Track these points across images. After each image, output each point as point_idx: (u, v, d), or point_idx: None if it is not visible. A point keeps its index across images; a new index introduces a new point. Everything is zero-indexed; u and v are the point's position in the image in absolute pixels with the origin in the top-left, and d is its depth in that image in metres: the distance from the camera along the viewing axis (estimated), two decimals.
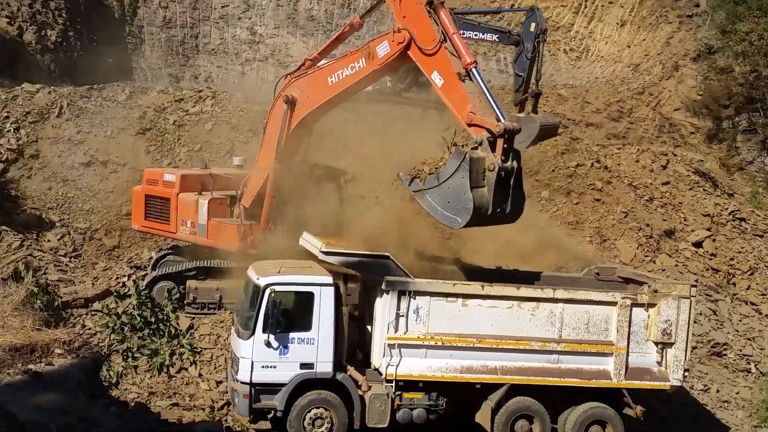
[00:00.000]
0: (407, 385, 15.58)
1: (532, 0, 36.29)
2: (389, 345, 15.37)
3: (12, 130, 25.68)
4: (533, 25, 23.66)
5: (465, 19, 25.06)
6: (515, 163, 14.40)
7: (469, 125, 14.68)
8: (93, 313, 17.44)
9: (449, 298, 15.44)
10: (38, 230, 23.51)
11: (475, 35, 25.04)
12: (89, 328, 16.05)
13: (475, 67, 15.08)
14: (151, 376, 15.24)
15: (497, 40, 25.32)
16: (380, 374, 15.55)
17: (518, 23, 25.25)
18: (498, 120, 14.28)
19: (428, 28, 15.47)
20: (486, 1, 39.14)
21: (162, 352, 10.89)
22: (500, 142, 14.10)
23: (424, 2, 15.55)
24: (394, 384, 15.49)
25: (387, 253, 15.32)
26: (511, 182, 14.35)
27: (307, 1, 37.84)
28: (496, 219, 14.44)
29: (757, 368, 21.06)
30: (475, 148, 14.10)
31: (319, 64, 18.72)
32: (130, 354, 10.78)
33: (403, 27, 15.88)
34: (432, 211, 14.46)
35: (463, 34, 24.48)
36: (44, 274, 20.26)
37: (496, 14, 28.69)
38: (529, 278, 17.17)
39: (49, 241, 23.36)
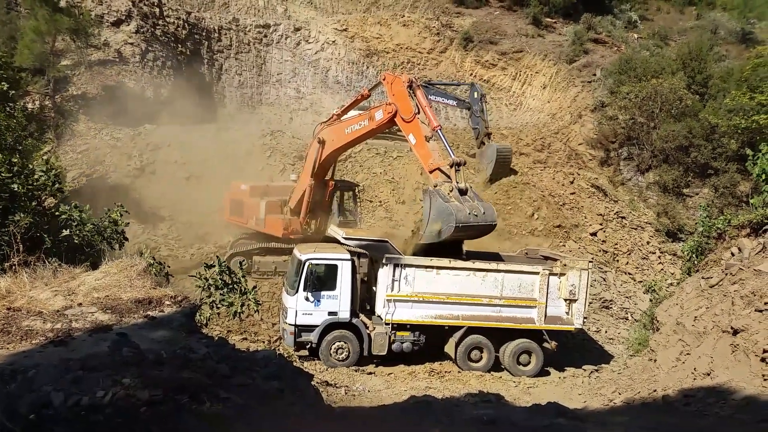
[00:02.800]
0: (399, 326, 15.64)
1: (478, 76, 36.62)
2: (387, 300, 15.40)
3: (137, 156, 25.65)
4: (476, 93, 24.73)
5: (435, 88, 25.76)
6: (467, 184, 14.79)
7: (431, 172, 15.26)
8: (190, 277, 17.42)
9: (427, 269, 15.48)
10: (154, 222, 23.48)
11: (442, 100, 25.84)
12: (187, 288, 16.05)
13: (440, 129, 15.53)
14: (228, 320, 15.26)
15: (456, 105, 26.25)
16: (381, 319, 15.59)
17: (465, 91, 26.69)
18: (450, 157, 14.90)
19: (408, 104, 15.72)
20: (450, 73, 38.95)
21: (235, 304, 10.80)
22: (453, 170, 14.63)
23: (406, 86, 15.75)
24: (390, 326, 15.53)
25: (386, 239, 15.33)
26: (469, 194, 14.42)
27: (334, 71, 37.80)
28: (477, 221, 14.33)
29: (632, 317, 21.05)
30: (435, 187, 14.64)
31: (342, 118, 18.85)
32: (214, 305, 10.71)
33: (392, 102, 16.11)
34: (437, 238, 14.52)
35: (435, 98, 25.40)
36: (158, 251, 20.26)
37: (455, 86, 29.44)
38: (486, 256, 17.05)
39: (161, 229, 23.34)
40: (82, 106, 27.19)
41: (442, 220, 14.18)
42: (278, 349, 14.97)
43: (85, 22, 27.57)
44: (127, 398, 4.68)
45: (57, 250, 9.66)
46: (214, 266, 11.29)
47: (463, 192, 14.45)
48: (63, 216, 10.50)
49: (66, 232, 10.32)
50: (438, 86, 27.18)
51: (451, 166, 14.68)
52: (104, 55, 29.48)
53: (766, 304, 10.52)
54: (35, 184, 10.15)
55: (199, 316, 9.81)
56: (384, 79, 17.03)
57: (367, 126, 17.12)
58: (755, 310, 10.66)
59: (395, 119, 16.15)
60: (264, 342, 16.55)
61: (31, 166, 10.50)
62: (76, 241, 10.43)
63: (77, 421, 4.43)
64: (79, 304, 7.38)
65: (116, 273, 8.58)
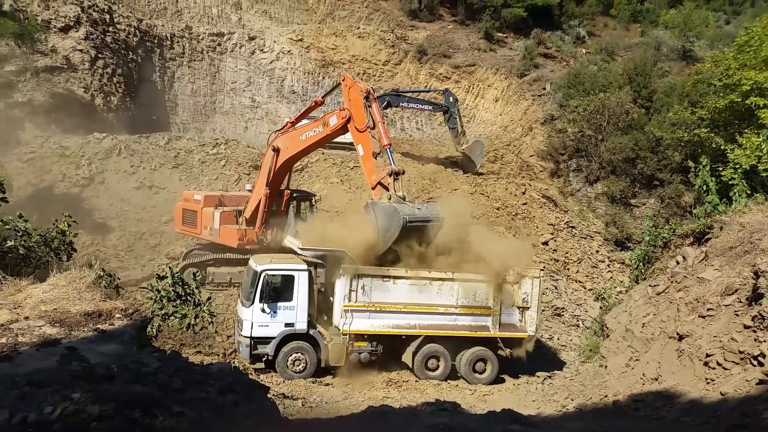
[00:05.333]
0: (357, 337, 15.58)
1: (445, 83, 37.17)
2: (345, 310, 15.34)
3: (86, 165, 24.94)
4: (450, 98, 27.77)
5: (409, 96, 26.98)
6: (404, 192, 15.42)
7: (373, 188, 15.71)
8: (141, 289, 17.05)
9: (384, 279, 15.48)
10: (103, 233, 22.85)
11: (418, 106, 27.20)
12: (139, 300, 15.67)
13: (389, 148, 15.79)
14: (181, 333, 14.90)
15: (432, 110, 27.81)
16: (339, 330, 15.50)
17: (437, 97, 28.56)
18: (390, 165, 15.34)
19: (361, 114, 15.93)
20: (405, 84, 39.32)
21: (189, 316, 10.60)
22: (392, 179, 15.15)
23: (363, 95, 15.85)
24: (348, 336, 15.45)
25: (343, 249, 15.27)
26: (408, 200, 15.28)
27: (290, 80, 37.63)
28: (424, 214, 14.88)
29: (583, 324, 21.50)
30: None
31: (296, 126, 18.84)
32: (167, 317, 10.48)
33: (346, 107, 16.20)
34: (391, 240, 14.76)
35: (410, 104, 26.84)
36: (108, 263, 19.70)
37: (426, 92, 30.42)
38: None
39: (110, 240, 22.73)
40: (28, 113, 26.28)
41: (389, 220, 14.56)
42: (233, 362, 14.71)
43: (31, 27, 26.73)
44: (77, 414, 4.54)
45: (2, 261, 9.31)
46: (167, 277, 11.07)
47: (402, 198, 15.06)
48: (7, 227, 10.11)
49: (11, 243, 9.95)
50: (407, 93, 28.55)
51: (390, 175, 15.08)
52: (52, 62, 28.58)
53: (708, 310, 10.94)
54: None
55: (151, 328, 9.58)
56: (343, 80, 17.11)
57: (321, 132, 17.15)
58: (699, 316, 11.07)
59: (348, 125, 16.26)
60: (219, 355, 16.24)
61: None
62: (22, 253, 10.05)
63: None
64: (26, 318, 7.12)
65: (64, 285, 8.32)
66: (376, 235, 14.86)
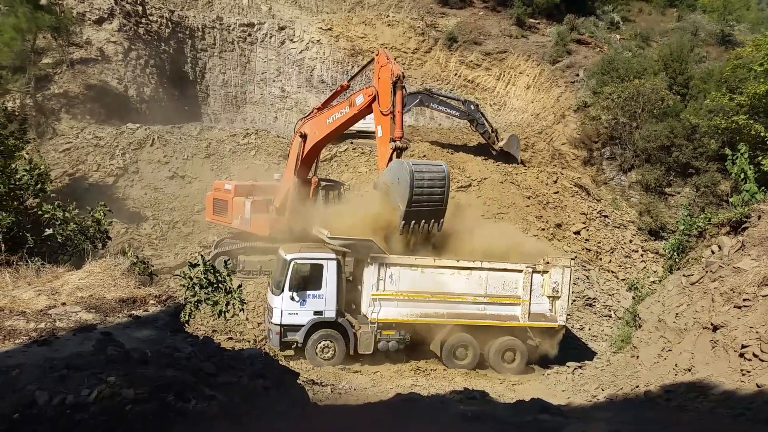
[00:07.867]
0: (385, 325, 15.63)
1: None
2: (373, 299, 15.41)
3: (120, 155, 25.46)
4: (471, 106, 28.73)
5: (440, 98, 27.33)
6: None
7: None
8: (175, 276, 17.39)
9: (412, 267, 15.48)
10: (137, 221, 23.35)
11: (446, 110, 27.61)
12: (172, 287, 15.97)
13: (399, 139, 15.88)
14: (213, 319, 15.19)
15: (459, 116, 28.02)
16: (367, 318, 15.59)
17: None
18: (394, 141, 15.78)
19: (387, 98, 15.92)
20: (434, 72, 39.00)
21: (220, 303, 10.78)
22: (394, 155, 15.64)
23: (392, 80, 15.78)
24: (376, 325, 15.54)
25: (371, 238, 15.31)
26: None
27: (319, 70, 37.72)
28: (428, 166, 15.33)
29: (615, 314, 21.23)
30: None
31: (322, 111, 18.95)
32: (199, 304, 10.68)
33: (374, 85, 16.18)
34: (408, 190, 14.55)
35: (439, 107, 27.29)
36: (142, 251, 20.15)
37: (453, 99, 30.48)
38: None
39: (144, 228, 23.21)
40: (64, 104, 26.91)
41: (396, 173, 14.88)
42: (263, 349, 14.94)
43: (67, 20, 27.28)
44: (113, 397, 4.67)
45: (40, 249, 9.59)
46: (199, 265, 11.25)
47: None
48: (46, 215, 10.41)
49: (49, 232, 10.24)
50: (439, 96, 29.28)
51: (394, 150, 15.43)
52: (86, 54, 29.18)
53: (744, 300, 10.71)
54: (18, 183, 10.06)
55: (184, 315, 9.78)
56: (377, 55, 17.10)
57: (348, 113, 17.17)
58: (734, 307, 10.84)
59: (373, 105, 16.29)
60: (249, 342, 16.50)
61: (13, 166, 10.40)
62: (60, 240, 10.35)
63: (62, 420, 4.42)
64: (63, 304, 7.34)
65: (100, 272, 8.54)
66: (395, 197, 14.85)
